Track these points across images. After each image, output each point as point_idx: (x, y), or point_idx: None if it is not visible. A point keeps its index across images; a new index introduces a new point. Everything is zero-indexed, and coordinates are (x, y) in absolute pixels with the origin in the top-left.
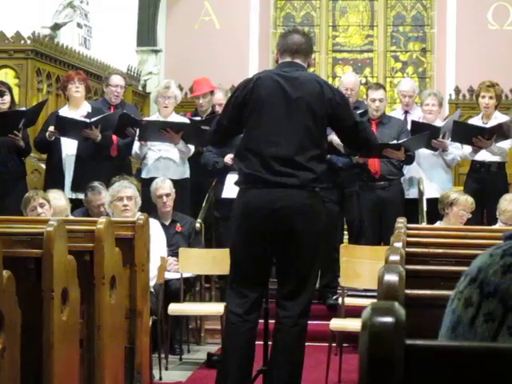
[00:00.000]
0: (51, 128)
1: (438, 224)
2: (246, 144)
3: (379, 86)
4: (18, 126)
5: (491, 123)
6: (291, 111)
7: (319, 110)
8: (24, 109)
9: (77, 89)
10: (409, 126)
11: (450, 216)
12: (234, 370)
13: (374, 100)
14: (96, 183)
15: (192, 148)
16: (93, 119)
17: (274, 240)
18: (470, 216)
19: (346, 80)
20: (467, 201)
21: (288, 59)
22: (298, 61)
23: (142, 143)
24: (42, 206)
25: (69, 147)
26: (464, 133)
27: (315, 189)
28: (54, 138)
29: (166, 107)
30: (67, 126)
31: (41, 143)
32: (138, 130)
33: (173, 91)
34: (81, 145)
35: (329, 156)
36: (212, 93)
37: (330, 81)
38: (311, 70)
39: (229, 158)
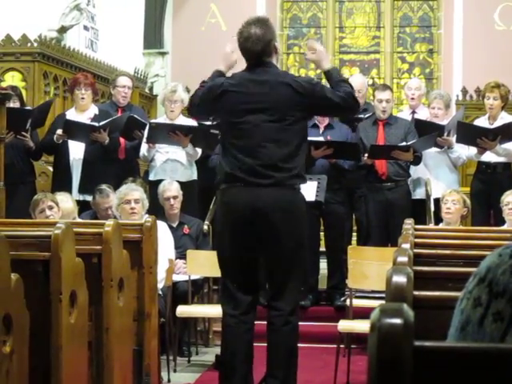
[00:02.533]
0: (59, 131)
1: (440, 225)
2: (224, 147)
3: (386, 87)
4: (26, 126)
5: (497, 124)
6: (263, 113)
7: (292, 109)
8: (30, 108)
9: (82, 95)
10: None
11: (444, 215)
12: (235, 371)
13: (380, 101)
14: (104, 186)
15: (199, 151)
16: (101, 123)
17: (256, 239)
18: (458, 206)
19: (354, 82)
20: (450, 193)
21: (253, 60)
22: (264, 59)
23: (149, 145)
24: (50, 208)
25: (76, 150)
26: (469, 134)
27: (294, 186)
28: (61, 140)
29: (172, 111)
30: (75, 130)
31: (48, 145)
32: (145, 132)
33: (179, 95)
34: (88, 148)
35: (334, 160)
36: None
37: None
38: (274, 60)
39: None
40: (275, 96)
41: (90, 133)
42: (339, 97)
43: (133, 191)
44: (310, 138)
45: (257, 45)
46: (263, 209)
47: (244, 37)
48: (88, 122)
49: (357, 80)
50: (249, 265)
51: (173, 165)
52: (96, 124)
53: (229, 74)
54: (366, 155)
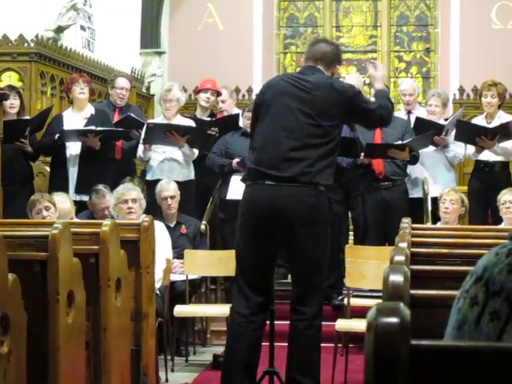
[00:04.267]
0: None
1: (438, 224)
2: (253, 142)
3: None
4: (24, 133)
5: (495, 123)
6: (297, 110)
7: (328, 109)
8: (28, 117)
9: (81, 90)
10: (412, 123)
11: (441, 214)
12: (237, 370)
13: None
14: (100, 186)
15: (196, 151)
16: (98, 128)
17: (278, 239)
18: (456, 206)
19: (349, 80)
20: (448, 193)
21: (310, 64)
22: (319, 67)
23: (145, 147)
24: (47, 209)
25: (73, 150)
26: (467, 133)
27: (318, 187)
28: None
29: (167, 110)
30: (70, 137)
31: (45, 147)
32: (142, 133)
33: (174, 94)
34: (84, 147)
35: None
36: (217, 95)
37: None
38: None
39: (236, 162)
40: (315, 90)
41: (82, 135)
42: (376, 105)
43: (130, 191)
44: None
45: (325, 52)
46: (283, 207)
47: (316, 44)
48: (84, 121)
49: (352, 78)
50: (268, 264)
51: (170, 164)
52: (93, 128)
53: None
54: (363, 154)
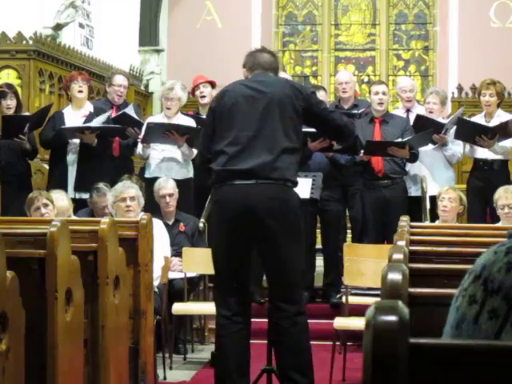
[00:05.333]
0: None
1: (436, 223)
2: (217, 145)
3: (382, 82)
4: (23, 130)
5: (494, 121)
6: (259, 109)
7: (289, 105)
8: (28, 114)
9: (80, 88)
10: (412, 121)
11: (440, 213)
12: (229, 371)
13: (377, 93)
14: (101, 185)
15: (195, 151)
16: (92, 124)
17: (251, 238)
18: (454, 204)
19: (339, 75)
20: (447, 191)
21: (259, 72)
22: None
23: (144, 145)
24: (45, 206)
25: (72, 147)
26: (467, 131)
27: (286, 183)
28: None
29: (168, 108)
30: (67, 135)
31: (46, 143)
32: (142, 132)
33: (176, 93)
34: (83, 145)
35: (331, 154)
36: (211, 86)
37: (332, 80)
38: None
39: None
40: (273, 88)
41: (79, 132)
42: (340, 118)
43: (128, 189)
44: (306, 130)
45: (271, 62)
46: (254, 205)
47: (259, 55)
48: (83, 119)
49: (342, 73)
50: (243, 264)
51: (168, 163)
52: (91, 125)
53: None
54: (362, 151)
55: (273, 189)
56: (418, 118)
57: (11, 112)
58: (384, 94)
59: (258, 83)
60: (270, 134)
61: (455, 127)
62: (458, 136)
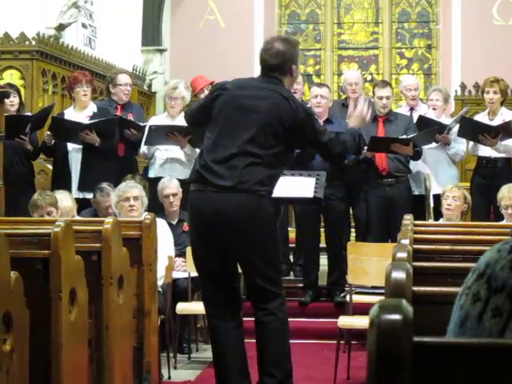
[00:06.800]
0: (47, 132)
1: (440, 221)
2: (203, 147)
3: (386, 84)
4: (25, 130)
5: (497, 119)
6: (245, 120)
7: (277, 124)
8: (29, 114)
9: (85, 92)
10: (415, 121)
11: (444, 211)
12: (227, 370)
13: (381, 98)
14: (105, 184)
15: (198, 151)
16: (90, 121)
17: (225, 245)
18: (459, 203)
19: (349, 76)
20: (451, 189)
21: (263, 75)
22: (275, 74)
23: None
24: (49, 213)
25: (75, 147)
26: (471, 129)
27: (258, 192)
28: (52, 142)
29: (172, 108)
30: (63, 130)
31: (44, 149)
32: (145, 134)
33: (179, 92)
34: (85, 145)
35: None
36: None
37: (335, 79)
38: (287, 81)
39: None
40: (267, 102)
41: (78, 133)
42: (330, 138)
43: (132, 188)
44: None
45: (274, 58)
46: (222, 213)
47: (265, 48)
48: (87, 119)
49: (352, 73)
50: (221, 266)
51: (172, 163)
52: (84, 122)
53: None
54: (366, 148)
55: (243, 198)
56: (421, 118)
57: (14, 109)
58: (388, 98)
59: (252, 98)
60: (248, 147)
61: (458, 125)
62: (461, 134)
